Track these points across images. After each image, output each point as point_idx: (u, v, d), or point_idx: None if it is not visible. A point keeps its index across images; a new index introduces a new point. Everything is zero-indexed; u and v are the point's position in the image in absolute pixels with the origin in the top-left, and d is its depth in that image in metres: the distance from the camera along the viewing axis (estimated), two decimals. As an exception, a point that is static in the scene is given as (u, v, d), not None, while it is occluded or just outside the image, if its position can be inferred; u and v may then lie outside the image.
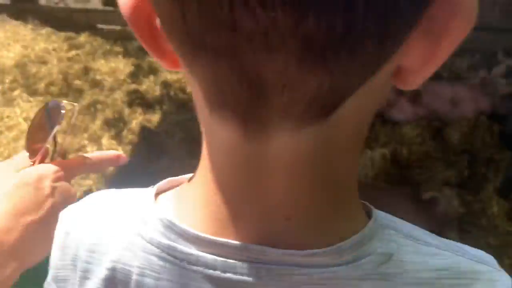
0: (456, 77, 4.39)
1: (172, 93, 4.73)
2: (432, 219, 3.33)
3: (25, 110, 4.82)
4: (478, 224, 3.38)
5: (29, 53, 6.02)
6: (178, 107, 4.49)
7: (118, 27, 6.72)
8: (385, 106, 4.25)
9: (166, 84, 4.86)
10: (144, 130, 4.16)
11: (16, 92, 5.12)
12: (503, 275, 0.48)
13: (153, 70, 5.28)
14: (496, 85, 4.03)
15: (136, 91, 4.71)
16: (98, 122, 4.42)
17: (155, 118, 4.44)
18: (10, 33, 6.83)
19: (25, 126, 4.59)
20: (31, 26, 7.00)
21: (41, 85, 5.14)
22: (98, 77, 5.23)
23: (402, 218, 0.47)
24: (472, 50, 4.54)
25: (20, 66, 5.60)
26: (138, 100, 4.59)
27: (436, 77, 4.32)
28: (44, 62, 5.76)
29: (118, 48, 6.07)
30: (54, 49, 6.15)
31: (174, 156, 3.90)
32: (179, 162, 3.81)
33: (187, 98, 4.78)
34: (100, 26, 6.83)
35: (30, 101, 5.00)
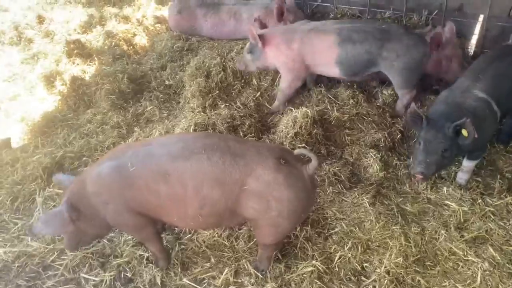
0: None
1: (114, 43, 4.59)
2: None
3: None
4: (399, 190, 3.21)
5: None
6: (115, 59, 4.36)
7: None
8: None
9: (110, 34, 4.72)
10: (76, 81, 4.07)
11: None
12: None
13: (103, 20, 5.14)
14: None
15: (77, 42, 4.59)
16: (37, 72, 4.35)
17: (91, 69, 4.34)
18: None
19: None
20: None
21: (-7, 34, 5.08)
22: (51, 27, 5.13)
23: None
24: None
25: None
26: (78, 50, 4.48)
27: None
28: (6, 10, 5.69)
29: (81, -3, 5.94)
30: (16, -1, 6.07)
31: (98, 108, 3.82)
32: (101, 115, 3.74)
33: (127, 49, 4.67)
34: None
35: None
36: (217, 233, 2.80)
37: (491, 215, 2.89)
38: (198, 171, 2.12)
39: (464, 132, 2.61)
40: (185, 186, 2.13)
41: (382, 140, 3.46)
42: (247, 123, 3.47)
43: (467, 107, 2.80)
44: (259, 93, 3.88)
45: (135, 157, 2.20)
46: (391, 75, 3.59)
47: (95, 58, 4.46)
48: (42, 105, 4.00)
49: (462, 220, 2.88)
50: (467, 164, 3.10)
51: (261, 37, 3.59)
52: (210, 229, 2.76)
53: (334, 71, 3.63)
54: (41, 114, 3.87)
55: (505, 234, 2.77)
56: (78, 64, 4.40)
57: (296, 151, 2.28)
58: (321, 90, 3.88)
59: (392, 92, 3.82)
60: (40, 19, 5.27)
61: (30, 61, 4.59)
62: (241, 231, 2.82)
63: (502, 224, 2.84)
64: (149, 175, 2.15)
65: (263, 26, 3.82)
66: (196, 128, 3.26)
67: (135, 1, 5.58)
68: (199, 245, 2.76)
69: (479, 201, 2.98)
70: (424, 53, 3.45)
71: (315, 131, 3.39)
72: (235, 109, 3.60)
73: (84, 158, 3.39)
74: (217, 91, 3.75)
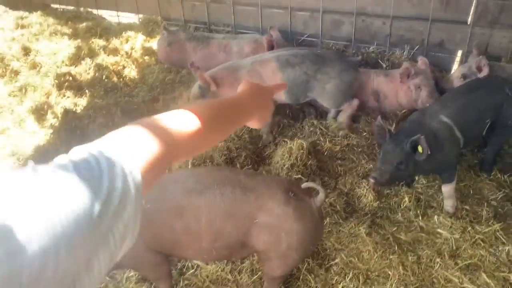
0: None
1: (104, 76, 4.61)
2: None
3: (-44, 90, 4.71)
4: (392, 219, 3.31)
5: (-24, 31, 5.89)
6: (107, 91, 4.38)
7: (71, 7, 6.61)
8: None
9: (100, 67, 4.74)
10: (68, 114, 4.05)
11: (-49, 72, 5.00)
12: None
13: (92, 52, 5.16)
14: None
15: (68, 74, 4.59)
16: (26, 105, 4.31)
17: (82, 101, 4.33)
18: (-37, 11, 6.71)
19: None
20: (-14, 4, 6.88)
21: (-22, 65, 5.01)
22: (38, 59, 5.11)
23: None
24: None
25: (-38, 45, 5.48)
26: (68, 83, 4.47)
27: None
28: (-11, 42, 5.64)
29: (66, 29, 5.93)
30: (2, 28, 6.02)
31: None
32: (96, 149, 3.72)
33: (118, 82, 4.69)
34: (54, 5, 6.71)
35: (-36, 81, 4.89)
36: (220, 267, 2.81)
37: (481, 242, 3.01)
38: (211, 205, 2.18)
39: (420, 148, 2.81)
40: (199, 221, 2.18)
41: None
42: (243, 155, 3.54)
43: (431, 128, 3.04)
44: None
45: (148, 194, 2.22)
46: (323, 98, 3.84)
47: (86, 90, 4.46)
48: (33, 138, 3.95)
49: (454, 247, 2.99)
50: (444, 189, 3.27)
51: (212, 79, 3.69)
52: (222, 261, 2.77)
53: (280, 96, 3.81)
54: (33, 148, 3.82)
55: (495, 261, 2.89)
56: (69, 97, 4.38)
57: (304, 184, 2.36)
58: (313, 122, 3.99)
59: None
60: (26, 51, 5.23)
61: (17, 94, 4.54)
62: (244, 265, 2.84)
63: (492, 251, 2.96)
64: (165, 211, 2.20)
65: (197, 68, 3.84)
66: (194, 161, 3.30)
67: (122, 33, 5.62)
68: (202, 280, 2.77)
69: (469, 229, 3.10)
70: (354, 77, 3.80)
71: (309, 162, 3.49)
72: (230, 141, 3.66)
73: (79, 193, 3.35)
74: (212, 124, 3.80)
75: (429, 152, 2.78)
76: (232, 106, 1.15)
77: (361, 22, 4.62)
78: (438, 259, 2.90)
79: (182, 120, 0.93)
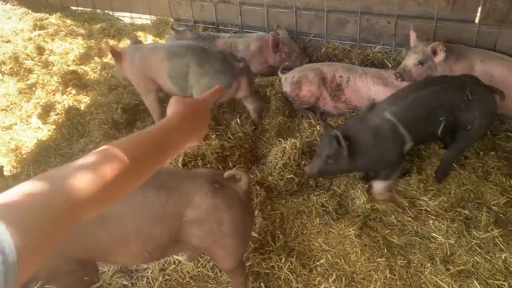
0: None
1: (110, 74, 4.69)
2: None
3: (-28, 87, 4.91)
4: (386, 222, 3.21)
5: (-3, 32, 6.12)
6: (111, 89, 4.45)
7: (89, 9, 6.78)
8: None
9: (107, 65, 4.84)
10: (71, 111, 4.14)
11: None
12: None
13: (101, 52, 5.28)
14: None
15: (75, 73, 4.70)
16: (33, 102, 4.44)
17: (86, 99, 4.43)
18: (-12, 13, 6.99)
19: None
20: (10, 6, 7.15)
21: (-6, 64, 5.20)
22: (50, 58, 5.26)
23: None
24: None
25: (-18, 45, 5.70)
26: (74, 81, 4.58)
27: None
28: (8, 41, 5.84)
29: (81, 30, 6.09)
30: (22, 30, 6.23)
31: (91, 138, 3.88)
32: (94, 145, 3.79)
33: (123, 80, 4.75)
34: (73, 7, 6.90)
35: (-19, 79, 5.09)
36: (201, 263, 2.80)
37: (478, 248, 2.89)
38: (136, 210, 2.12)
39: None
40: (125, 227, 2.13)
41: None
42: (237, 154, 3.51)
43: (371, 124, 3.04)
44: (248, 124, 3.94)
45: None
46: (195, 91, 3.73)
47: (91, 89, 4.56)
48: (37, 134, 4.07)
49: (448, 253, 2.88)
50: (374, 184, 3.27)
51: (117, 53, 3.86)
52: (155, 261, 2.75)
53: (170, 86, 3.83)
54: (35, 143, 3.93)
55: (491, 268, 2.76)
56: (74, 95, 4.49)
57: (226, 174, 2.32)
58: (311, 122, 3.93)
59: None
60: (40, 50, 5.39)
61: (28, 91, 4.68)
62: (225, 262, 2.82)
63: (488, 257, 2.83)
64: (87, 222, 2.12)
65: (136, 42, 4.21)
66: (185, 158, 3.30)
67: (133, 34, 5.72)
68: (183, 276, 2.76)
69: (466, 234, 2.98)
70: (229, 81, 3.66)
71: (303, 162, 3.43)
72: (226, 140, 3.65)
73: (74, 187, 3.41)
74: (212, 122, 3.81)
75: (345, 150, 2.86)
76: (161, 136, 1.05)
77: (366, 22, 4.54)
78: (428, 264, 2.80)
79: (97, 165, 0.85)
